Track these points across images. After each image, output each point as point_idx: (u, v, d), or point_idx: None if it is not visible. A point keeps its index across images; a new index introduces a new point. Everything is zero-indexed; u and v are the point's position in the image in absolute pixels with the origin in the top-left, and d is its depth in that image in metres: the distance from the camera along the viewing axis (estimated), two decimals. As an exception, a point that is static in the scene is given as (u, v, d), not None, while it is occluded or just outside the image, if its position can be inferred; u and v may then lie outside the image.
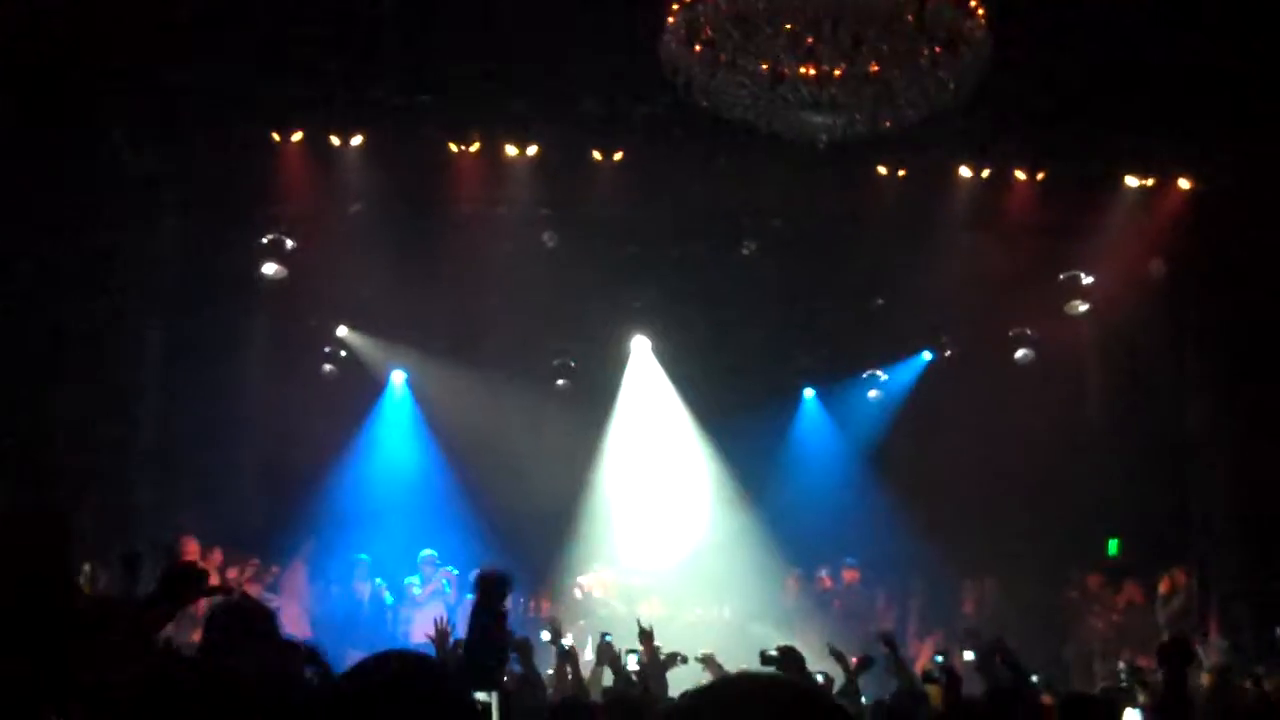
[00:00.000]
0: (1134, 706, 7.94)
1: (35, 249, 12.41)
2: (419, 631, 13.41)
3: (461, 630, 7.94)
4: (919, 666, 11.22)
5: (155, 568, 6.21)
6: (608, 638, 9.84)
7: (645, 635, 9.60)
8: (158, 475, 14.90)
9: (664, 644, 9.95)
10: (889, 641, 9.75)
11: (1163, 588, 14.91)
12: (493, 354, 16.69)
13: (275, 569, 15.30)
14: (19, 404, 12.50)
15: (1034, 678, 9.32)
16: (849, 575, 16.88)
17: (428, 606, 14.68)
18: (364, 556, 15.61)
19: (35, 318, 12.66)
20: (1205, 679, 10.60)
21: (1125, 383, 16.08)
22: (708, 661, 9.72)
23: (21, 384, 12.28)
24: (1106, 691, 9.48)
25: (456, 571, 15.63)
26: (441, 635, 8.63)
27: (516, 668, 9.24)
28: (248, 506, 15.37)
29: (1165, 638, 13.11)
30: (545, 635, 10.15)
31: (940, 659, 9.22)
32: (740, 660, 9.68)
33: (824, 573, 16.89)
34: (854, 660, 9.19)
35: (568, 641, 9.90)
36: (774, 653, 7.11)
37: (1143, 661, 11.45)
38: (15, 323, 12.42)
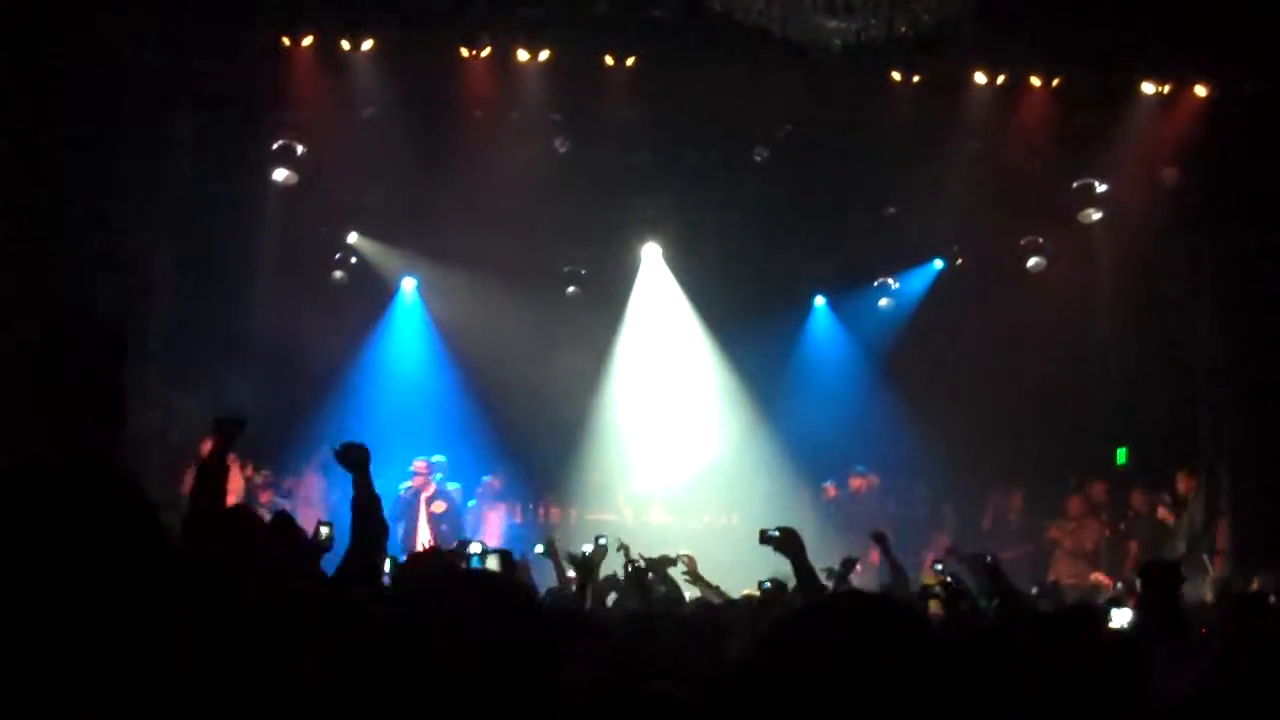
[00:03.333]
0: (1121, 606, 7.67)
1: (38, 157, 12.32)
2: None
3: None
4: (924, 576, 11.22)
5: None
6: (602, 540, 9.79)
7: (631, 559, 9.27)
8: (168, 384, 14.80)
9: (668, 551, 9.89)
10: (879, 540, 9.88)
11: (1183, 487, 14.92)
12: (504, 261, 16.71)
13: (290, 481, 15.55)
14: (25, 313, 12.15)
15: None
16: (856, 483, 16.98)
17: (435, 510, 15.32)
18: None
19: (43, 221, 12.59)
20: (1208, 595, 10.76)
21: (1138, 293, 16.03)
22: (688, 562, 9.63)
23: (28, 295, 12.02)
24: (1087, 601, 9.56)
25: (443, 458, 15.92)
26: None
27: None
28: (259, 416, 15.28)
29: (1182, 547, 13.64)
30: (539, 548, 10.16)
31: (940, 568, 9.17)
32: (742, 565, 9.79)
33: (829, 483, 17.01)
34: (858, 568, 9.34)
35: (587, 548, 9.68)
36: (774, 532, 6.76)
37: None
38: (23, 231, 12.39)
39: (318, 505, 15.02)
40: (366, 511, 6.11)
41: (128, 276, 13.20)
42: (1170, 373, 15.84)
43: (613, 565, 8.85)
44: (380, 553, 6.31)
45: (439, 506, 15.64)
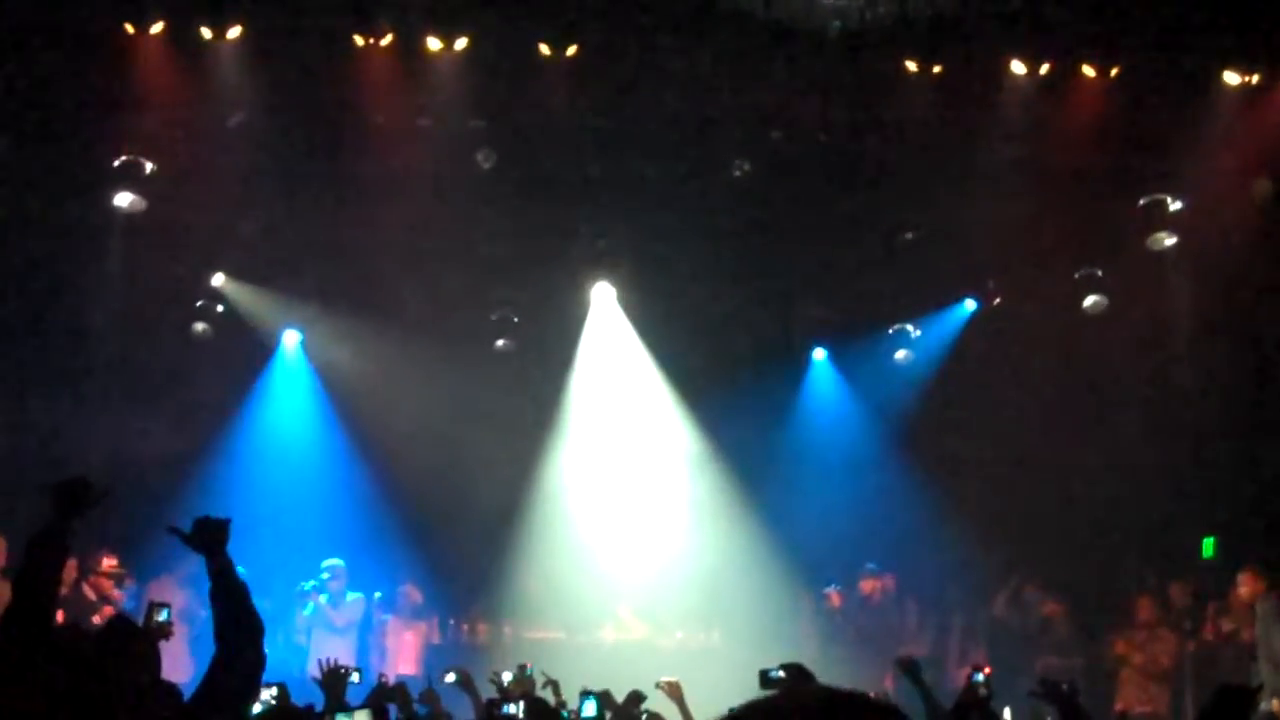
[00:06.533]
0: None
1: None
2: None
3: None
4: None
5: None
6: (529, 672, 10.12)
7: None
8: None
9: (635, 681, 10.11)
10: (908, 669, 9.74)
11: (1245, 590, 13.99)
12: (413, 308, 16.72)
13: (131, 581, 15.31)
14: None
15: None
16: (869, 586, 16.96)
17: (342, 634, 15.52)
18: (241, 569, 15.42)
19: None
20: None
21: (1224, 338, 16.04)
22: (671, 689, 9.90)
23: None
24: None
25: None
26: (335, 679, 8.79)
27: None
28: (102, 506, 15.14)
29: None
30: (450, 677, 10.44)
31: (980, 677, 9.13)
32: (727, 698, 9.58)
33: (832, 589, 17.00)
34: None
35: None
36: (778, 673, 7.08)
37: None
38: None
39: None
40: (231, 599, 5.97)
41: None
42: (1271, 440, 15.73)
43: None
44: (254, 662, 6.12)
45: (340, 619, 15.88)
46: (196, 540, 6.16)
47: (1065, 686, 8.04)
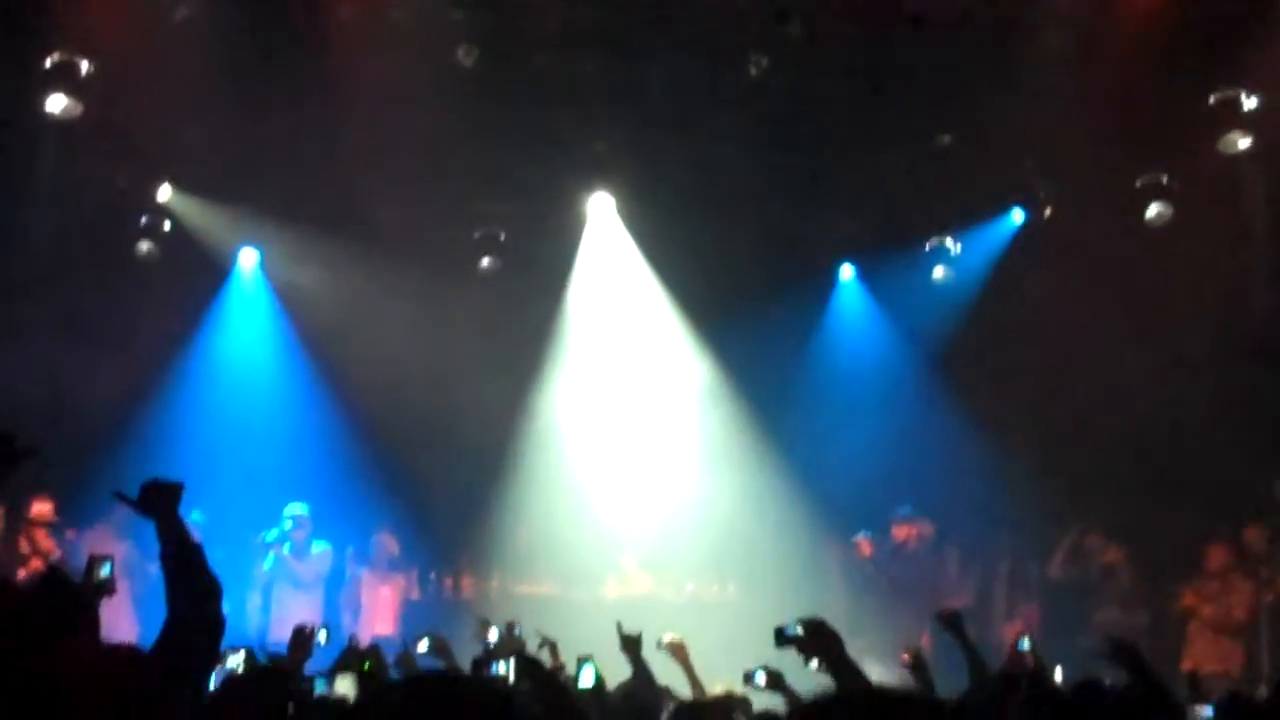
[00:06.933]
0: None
1: None
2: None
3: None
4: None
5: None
6: (518, 632, 10.10)
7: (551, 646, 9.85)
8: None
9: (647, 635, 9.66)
10: (950, 623, 9.49)
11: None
12: (386, 224, 16.40)
13: (72, 532, 15.14)
14: None
15: None
16: (903, 532, 16.77)
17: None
18: (197, 516, 15.10)
19: None
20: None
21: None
22: (675, 650, 9.74)
23: None
24: None
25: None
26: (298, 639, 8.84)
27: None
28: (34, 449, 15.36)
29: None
30: (423, 644, 10.10)
31: (1027, 644, 9.48)
32: (743, 658, 9.26)
33: (861, 535, 16.83)
34: (904, 656, 9.15)
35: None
36: (794, 629, 6.63)
37: None
38: None
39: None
40: (184, 564, 5.75)
41: None
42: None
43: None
44: (213, 626, 5.83)
45: (306, 573, 15.89)
46: (147, 504, 5.90)
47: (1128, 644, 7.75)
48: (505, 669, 8.05)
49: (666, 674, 9.35)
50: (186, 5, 14.37)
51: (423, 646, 9.90)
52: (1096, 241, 16.57)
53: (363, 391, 16.96)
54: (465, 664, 9.16)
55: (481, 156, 16.02)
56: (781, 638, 6.68)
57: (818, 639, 6.43)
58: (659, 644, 9.71)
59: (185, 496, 5.92)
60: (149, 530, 5.87)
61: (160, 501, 5.88)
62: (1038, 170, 16.88)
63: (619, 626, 9.23)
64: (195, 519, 14.63)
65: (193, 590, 5.75)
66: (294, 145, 15.75)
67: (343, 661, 8.77)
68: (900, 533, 16.66)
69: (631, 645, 9.27)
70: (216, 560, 5.82)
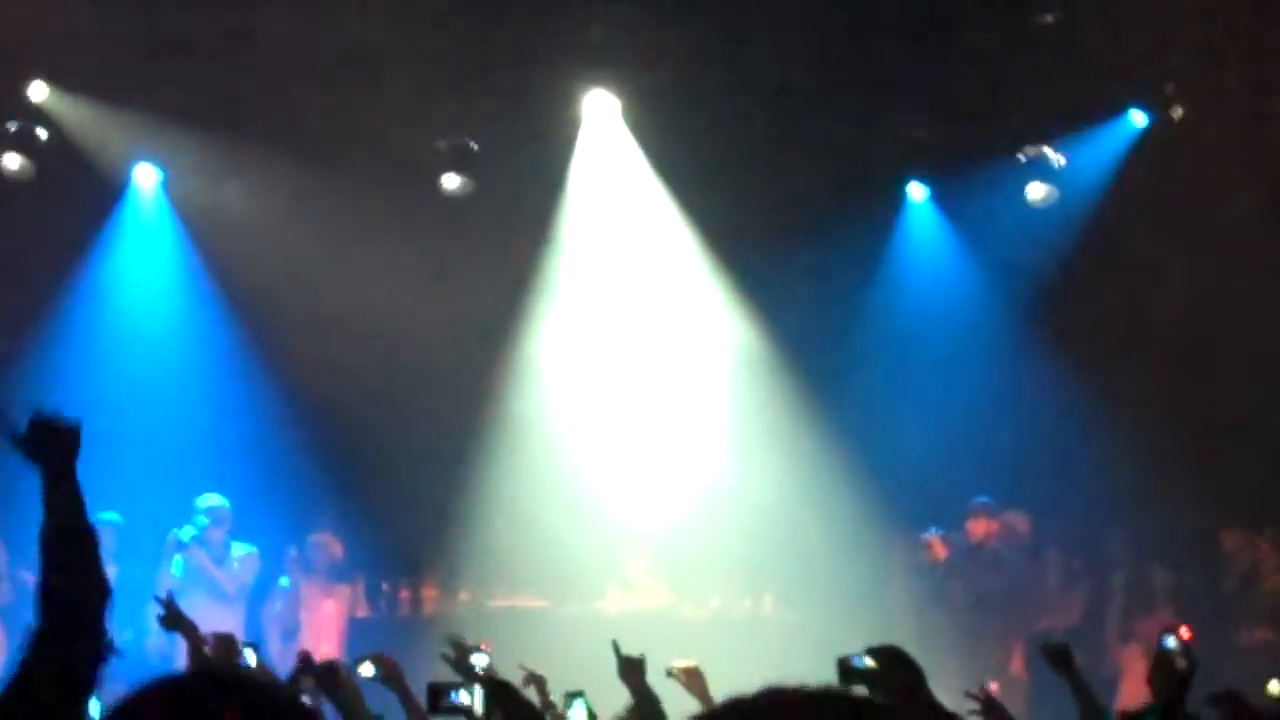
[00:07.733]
0: None
1: None
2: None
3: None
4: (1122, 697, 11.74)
5: None
6: (482, 661, 9.33)
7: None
8: None
9: (653, 668, 8.79)
10: (1057, 655, 8.83)
11: None
12: (325, 133, 15.48)
13: None
14: None
15: None
16: (980, 528, 15.91)
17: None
18: (113, 516, 14.61)
19: None
20: None
21: None
22: (689, 679, 9.05)
23: None
24: None
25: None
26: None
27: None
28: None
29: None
30: (367, 669, 9.20)
31: (1173, 642, 8.98)
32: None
33: (933, 533, 15.99)
34: (980, 694, 8.44)
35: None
36: (861, 660, 6.35)
37: None
38: None
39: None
40: (72, 548, 5.10)
41: None
42: None
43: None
44: (94, 644, 5.05)
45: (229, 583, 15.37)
46: (37, 445, 5.21)
47: None
48: (470, 699, 7.97)
49: (679, 709, 8.06)
50: None
51: (366, 670, 8.97)
52: (1236, 150, 15.63)
53: (294, 351, 16.19)
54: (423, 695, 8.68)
55: (445, 43, 14.80)
56: (848, 671, 6.51)
57: (894, 673, 6.30)
58: (668, 671, 8.96)
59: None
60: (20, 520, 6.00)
61: (54, 446, 5.21)
62: (1162, 62, 15.60)
63: (615, 647, 8.54)
64: (112, 518, 14.44)
65: (78, 589, 5.20)
66: (205, 31, 14.70)
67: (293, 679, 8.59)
68: (977, 528, 15.75)
69: (633, 671, 8.58)
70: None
